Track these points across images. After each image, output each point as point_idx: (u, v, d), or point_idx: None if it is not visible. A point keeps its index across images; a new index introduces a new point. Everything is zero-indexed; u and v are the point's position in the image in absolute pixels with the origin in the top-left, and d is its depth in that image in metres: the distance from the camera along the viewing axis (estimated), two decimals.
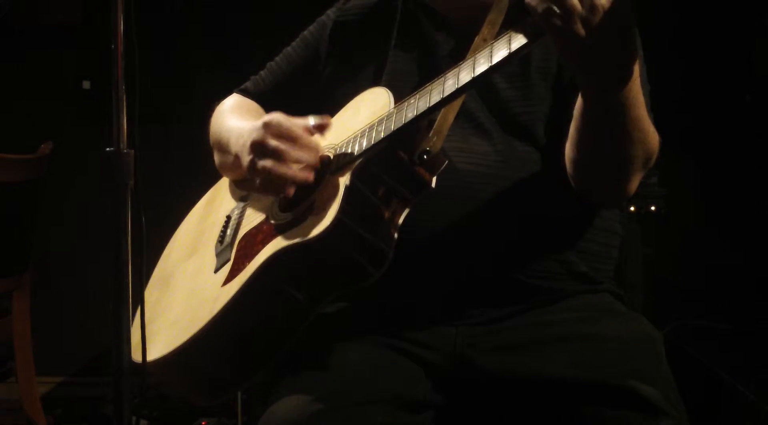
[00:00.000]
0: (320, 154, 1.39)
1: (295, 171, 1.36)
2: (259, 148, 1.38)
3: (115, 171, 1.28)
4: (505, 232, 1.42)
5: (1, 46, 3.64)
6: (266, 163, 1.37)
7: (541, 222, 1.43)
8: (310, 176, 1.36)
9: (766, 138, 3.29)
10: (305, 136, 1.39)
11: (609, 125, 1.27)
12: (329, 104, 1.57)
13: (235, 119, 1.60)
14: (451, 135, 1.44)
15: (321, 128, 1.42)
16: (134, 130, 1.30)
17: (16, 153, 2.81)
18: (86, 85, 3.70)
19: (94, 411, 3.37)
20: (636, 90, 1.24)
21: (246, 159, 1.41)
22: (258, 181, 1.40)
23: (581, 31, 1.12)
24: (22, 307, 2.88)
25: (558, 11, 1.11)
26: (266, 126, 1.39)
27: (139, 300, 1.33)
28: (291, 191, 1.36)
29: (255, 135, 1.39)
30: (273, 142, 1.37)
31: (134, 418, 1.30)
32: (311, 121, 1.43)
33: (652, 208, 3.04)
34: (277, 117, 1.40)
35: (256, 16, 3.63)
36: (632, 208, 3.01)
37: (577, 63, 1.18)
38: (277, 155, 1.36)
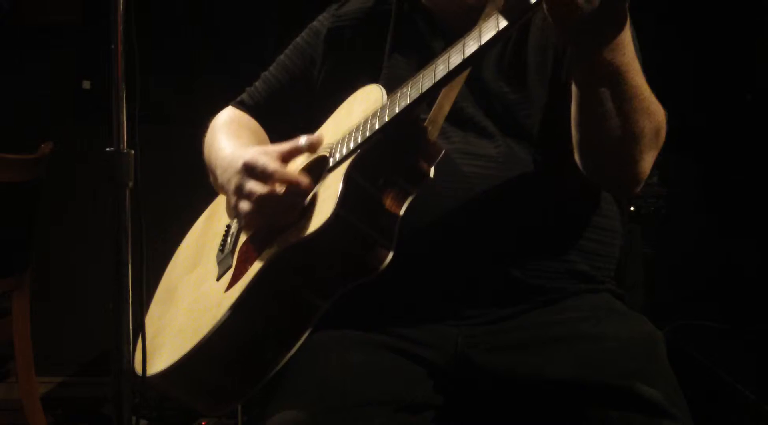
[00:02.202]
0: (300, 184, 1.37)
1: (272, 215, 1.37)
2: (238, 191, 1.40)
3: (115, 171, 1.28)
4: (506, 232, 1.42)
5: (1, 46, 3.64)
6: (245, 206, 1.39)
7: (542, 221, 1.43)
8: (291, 216, 1.36)
9: (766, 138, 3.29)
10: (279, 172, 1.37)
11: (609, 94, 1.25)
12: (325, 110, 1.57)
13: (226, 141, 1.60)
14: (453, 138, 1.44)
15: (312, 146, 1.42)
16: (134, 130, 1.30)
17: (16, 153, 2.81)
18: (86, 85, 3.70)
19: (94, 411, 3.37)
20: (631, 56, 1.24)
21: (231, 199, 1.43)
22: (244, 221, 1.43)
23: None
24: (22, 307, 2.88)
25: None
26: (245, 168, 1.39)
27: (140, 301, 1.33)
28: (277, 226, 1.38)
29: (236, 179, 1.40)
30: (249, 185, 1.38)
31: (134, 418, 1.30)
32: (302, 140, 1.42)
33: (652, 208, 3.04)
34: (252, 156, 1.39)
35: (256, 16, 3.63)
36: (632, 208, 3.01)
37: (573, 28, 1.18)
38: (253, 198, 1.37)
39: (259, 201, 1.37)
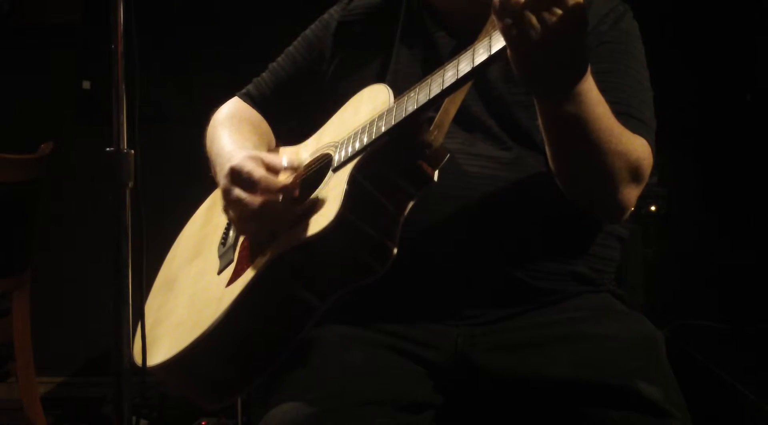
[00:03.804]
0: (286, 193, 1.37)
1: (258, 224, 1.37)
2: (225, 195, 1.41)
3: (115, 171, 1.28)
4: (507, 233, 1.42)
5: (1, 46, 3.64)
6: (232, 213, 1.41)
7: (545, 224, 1.43)
8: (278, 224, 1.37)
9: (766, 138, 3.29)
10: (264, 181, 1.37)
11: (573, 139, 1.27)
12: (332, 104, 1.57)
13: (226, 136, 1.61)
14: (458, 139, 1.44)
15: (292, 168, 1.42)
16: (134, 130, 1.30)
17: (16, 153, 2.81)
18: (86, 85, 3.69)
19: (94, 411, 3.37)
20: (593, 103, 1.24)
21: (224, 199, 1.43)
22: (234, 224, 1.45)
23: (533, 46, 1.13)
24: (22, 307, 2.88)
25: (514, 24, 1.13)
26: (231, 173, 1.40)
27: (140, 301, 1.33)
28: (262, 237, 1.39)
29: (224, 182, 1.41)
30: (235, 192, 1.38)
31: (134, 418, 1.30)
32: (284, 161, 1.41)
33: (652, 208, 3.04)
34: (239, 162, 1.39)
35: (256, 16, 3.62)
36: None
37: (528, 74, 1.19)
38: (239, 205, 1.38)
39: (243, 208, 1.37)
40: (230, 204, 1.40)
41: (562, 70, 1.18)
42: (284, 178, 1.42)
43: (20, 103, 3.67)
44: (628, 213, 1.42)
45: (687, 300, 3.26)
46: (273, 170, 1.39)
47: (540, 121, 1.29)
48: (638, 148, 1.35)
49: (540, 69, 1.16)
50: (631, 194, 1.37)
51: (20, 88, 3.69)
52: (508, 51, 1.16)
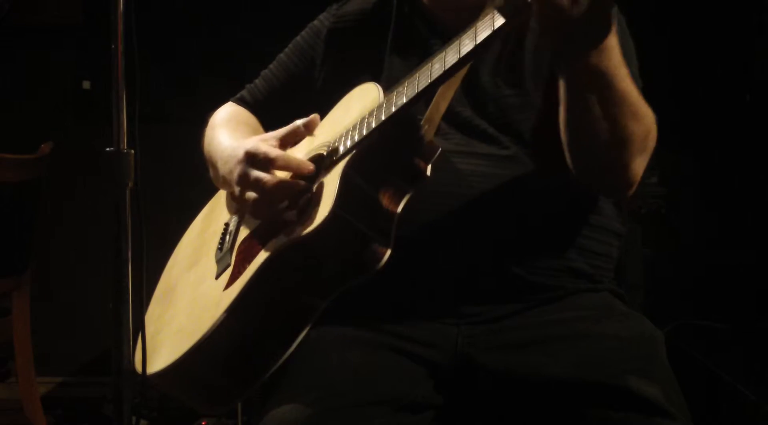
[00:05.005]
0: (303, 168, 1.40)
1: (279, 202, 1.39)
2: (243, 180, 1.41)
3: (115, 171, 1.28)
4: (506, 230, 1.42)
5: (1, 46, 3.64)
6: (251, 194, 1.40)
7: (542, 220, 1.43)
8: (298, 201, 1.38)
9: (766, 138, 3.29)
10: (282, 158, 1.40)
11: (596, 98, 1.26)
12: (325, 110, 1.58)
13: (226, 135, 1.61)
14: (453, 139, 1.45)
15: (309, 127, 1.46)
16: (134, 130, 1.30)
17: (16, 153, 2.81)
18: (86, 85, 3.69)
19: (94, 411, 3.38)
20: (617, 60, 1.24)
21: (235, 189, 1.44)
22: (250, 210, 1.44)
23: (567, 5, 1.13)
24: (22, 307, 2.88)
25: None
26: (246, 157, 1.41)
27: (140, 302, 1.33)
28: (283, 215, 1.40)
29: (239, 169, 1.42)
30: (254, 174, 1.39)
31: (134, 418, 1.30)
32: (298, 122, 1.46)
33: (652, 208, 3.05)
34: (254, 145, 1.42)
35: (256, 16, 3.63)
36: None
37: (560, 33, 1.19)
38: (259, 186, 1.39)
39: (265, 188, 1.38)
40: (248, 187, 1.40)
41: (593, 24, 1.17)
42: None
43: (20, 103, 3.67)
44: (635, 187, 1.41)
45: (687, 300, 3.26)
46: (284, 147, 1.44)
47: (564, 88, 1.28)
48: (649, 114, 1.35)
49: (573, 25, 1.15)
50: (641, 165, 1.36)
51: (20, 88, 3.69)
52: (539, 16, 1.16)
